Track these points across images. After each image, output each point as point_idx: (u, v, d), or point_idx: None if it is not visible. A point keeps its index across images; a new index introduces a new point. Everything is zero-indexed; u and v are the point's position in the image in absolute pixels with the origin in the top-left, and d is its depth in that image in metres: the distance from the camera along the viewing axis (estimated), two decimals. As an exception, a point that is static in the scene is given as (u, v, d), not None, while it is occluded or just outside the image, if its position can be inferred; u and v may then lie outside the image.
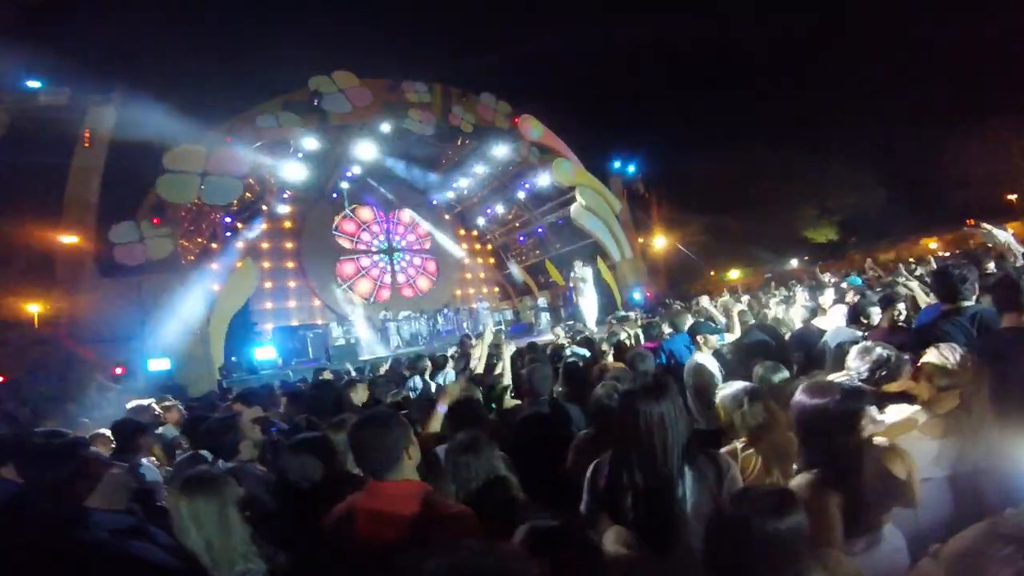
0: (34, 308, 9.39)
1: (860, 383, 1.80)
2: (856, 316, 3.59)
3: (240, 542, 1.59)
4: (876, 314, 3.44)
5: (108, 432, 2.99)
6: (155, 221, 9.85)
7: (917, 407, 1.68)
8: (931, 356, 1.68)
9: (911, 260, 6.78)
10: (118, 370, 8.25)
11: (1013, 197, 21.87)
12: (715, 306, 5.45)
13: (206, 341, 10.40)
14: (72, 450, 1.77)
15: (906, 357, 1.86)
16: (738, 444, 1.90)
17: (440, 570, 0.83)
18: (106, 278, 9.57)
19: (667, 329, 5.19)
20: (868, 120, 21.84)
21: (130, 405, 4.24)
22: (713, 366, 3.46)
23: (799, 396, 1.50)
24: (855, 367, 1.93)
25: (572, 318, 12.78)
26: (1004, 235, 3.91)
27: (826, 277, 7.15)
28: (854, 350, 2.01)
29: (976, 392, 1.57)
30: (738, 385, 2.02)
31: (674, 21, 21.24)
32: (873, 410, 1.51)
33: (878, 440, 1.47)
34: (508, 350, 4.89)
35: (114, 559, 1.51)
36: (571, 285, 12.21)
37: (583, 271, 11.83)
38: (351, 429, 1.69)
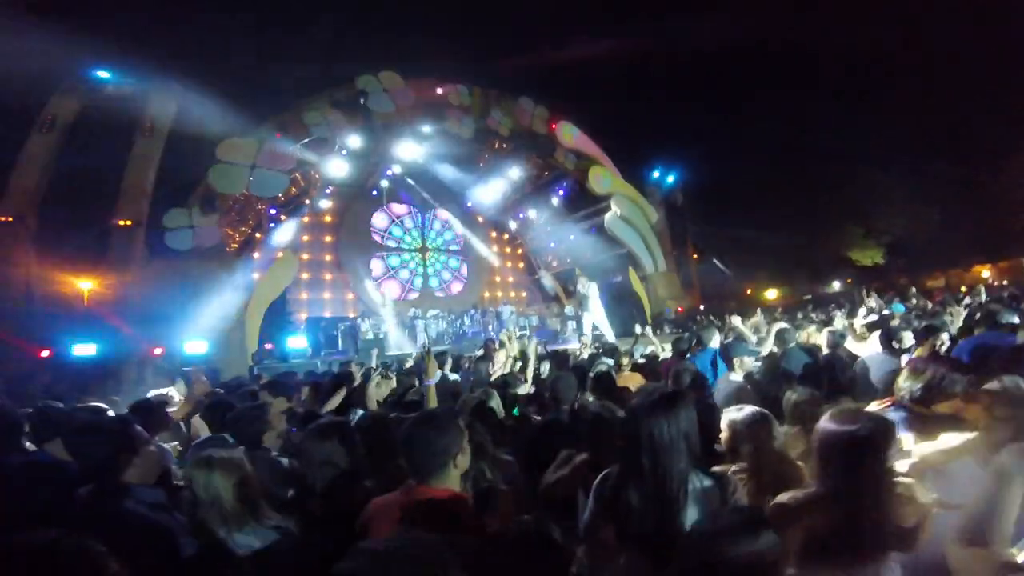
0: (85, 285, 9.97)
1: (908, 404, 1.80)
2: (888, 340, 3.44)
3: (250, 512, 1.62)
4: (908, 339, 3.29)
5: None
6: (205, 208, 10.33)
7: (969, 433, 1.60)
8: (995, 384, 1.62)
9: (962, 288, 6.40)
10: (157, 350, 8.64)
11: None
12: (746, 325, 5.29)
13: (242, 327, 10.81)
14: (121, 426, 1.88)
15: (957, 377, 1.79)
16: (734, 467, 1.84)
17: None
18: (155, 260, 10.09)
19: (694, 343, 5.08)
20: (923, 137, 20.70)
21: (151, 394, 4.45)
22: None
23: (825, 422, 1.45)
24: (906, 387, 1.87)
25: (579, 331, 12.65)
26: None
27: (871, 300, 6.81)
28: (905, 370, 1.94)
29: None
30: (750, 409, 1.96)
31: (720, 29, 20.76)
32: (903, 439, 1.45)
33: (900, 478, 1.41)
34: (534, 357, 4.90)
35: (151, 530, 1.59)
36: (577, 299, 12.04)
37: (587, 286, 11.71)
38: (408, 426, 1.67)
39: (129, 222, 9.96)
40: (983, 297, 5.94)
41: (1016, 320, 3.13)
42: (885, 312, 5.54)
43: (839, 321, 5.52)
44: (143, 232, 10.08)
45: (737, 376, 3.47)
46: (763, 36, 20.79)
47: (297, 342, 12.00)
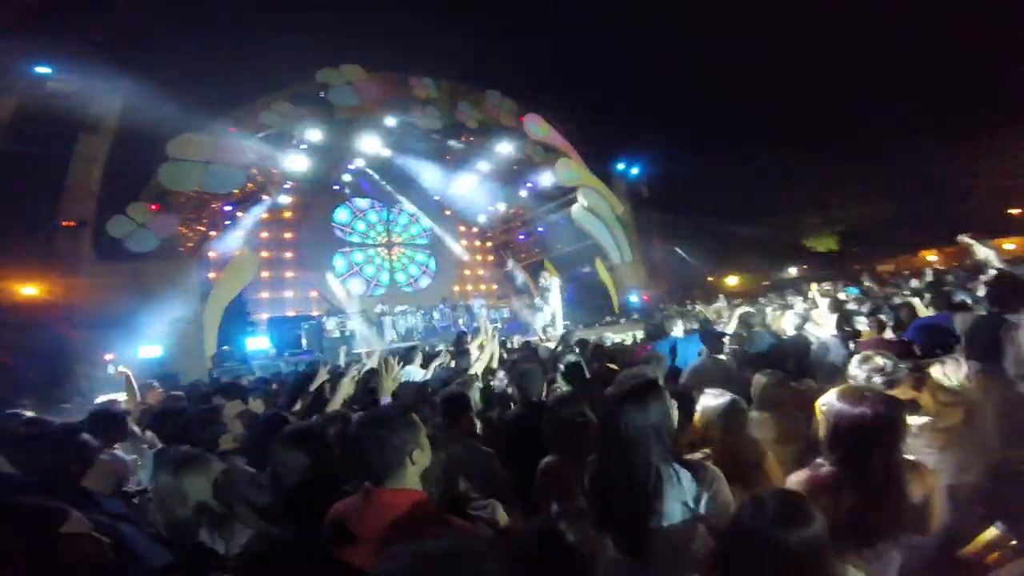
0: (30, 291, 9.32)
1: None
2: (842, 323, 3.58)
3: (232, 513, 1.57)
4: (862, 322, 3.43)
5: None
6: (154, 207, 9.78)
7: (925, 418, 1.65)
8: (936, 372, 1.66)
9: (907, 272, 6.77)
10: (108, 356, 8.19)
11: (1016, 211, 21.82)
12: (710, 311, 5.43)
13: (200, 329, 10.37)
14: (69, 436, 1.76)
15: (903, 366, 1.84)
16: (698, 455, 1.84)
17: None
18: (103, 263, 9.52)
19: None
20: (873, 129, 21.81)
21: (98, 401, 4.22)
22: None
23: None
24: (855, 375, 1.91)
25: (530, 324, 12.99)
26: (985, 250, 3.91)
27: (818, 295, 7.12)
28: (855, 358, 1.99)
29: (981, 409, 1.54)
30: (725, 397, 1.95)
31: (682, 26, 21.14)
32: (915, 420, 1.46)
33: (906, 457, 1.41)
34: (491, 349, 4.87)
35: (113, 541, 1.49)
36: (538, 293, 12.38)
37: (549, 281, 12.09)
38: (354, 427, 1.60)
39: (74, 223, 9.33)
40: (929, 279, 6.27)
41: (967, 299, 3.30)
42: (840, 296, 5.76)
43: (799, 305, 5.72)
44: (90, 233, 9.46)
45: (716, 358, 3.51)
46: (723, 30, 21.29)
47: (259, 343, 11.60)
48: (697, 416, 1.96)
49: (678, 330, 4.72)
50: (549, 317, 11.95)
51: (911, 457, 1.40)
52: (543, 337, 7.14)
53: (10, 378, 7.32)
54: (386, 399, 2.78)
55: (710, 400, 1.96)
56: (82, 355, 8.28)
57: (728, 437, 1.86)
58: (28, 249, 9.37)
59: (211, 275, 11.66)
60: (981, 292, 3.57)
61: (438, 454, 1.86)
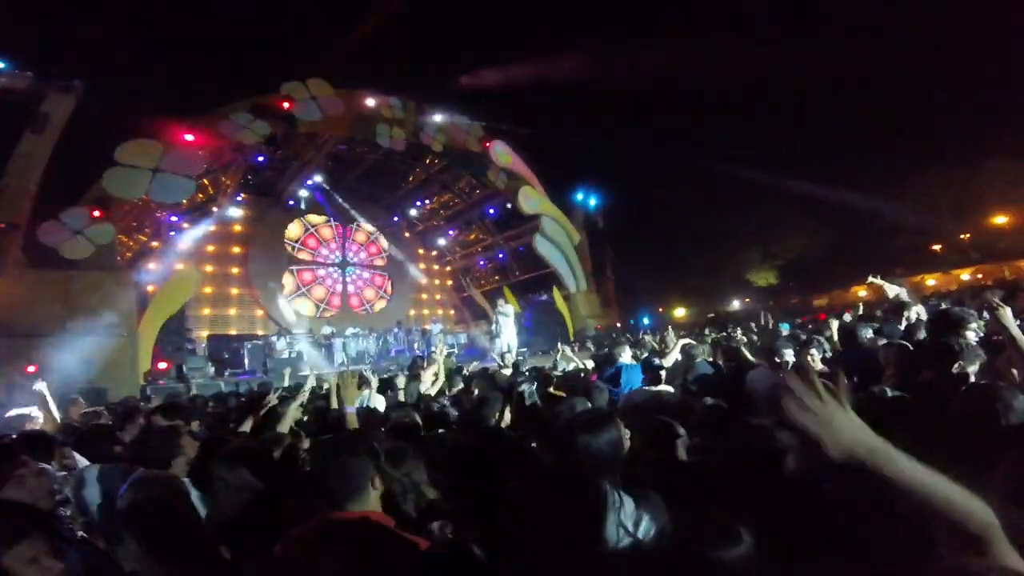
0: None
1: None
2: (771, 355, 3.88)
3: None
4: (788, 354, 3.73)
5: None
6: (94, 214, 9.21)
7: None
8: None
9: (839, 306, 7.39)
10: (31, 368, 7.53)
11: (937, 248, 24.06)
12: (656, 341, 5.69)
13: (134, 344, 9.70)
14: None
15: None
16: None
17: None
18: (32, 270, 8.84)
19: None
20: (812, 167, 23.70)
21: (10, 414, 3.93)
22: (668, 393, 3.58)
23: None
24: None
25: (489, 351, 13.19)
26: (896, 289, 4.33)
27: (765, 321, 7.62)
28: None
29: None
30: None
31: (634, 66, 22.59)
32: None
33: None
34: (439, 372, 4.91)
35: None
36: (494, 319, 12.59)
37: (505, 307, 12.37)
38: (315, 452, 1.63)
39: (3, 224, 8.63)
40: (859, 312, 6.82)
41: (870, 334, 3.65)
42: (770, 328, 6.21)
43: (739, 337, 6.10)
44: (21, 237, 8.77)
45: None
46: (673, 72, 22.83)
47: (197, 361, 10.98)
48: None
49: (625, 356, 4.92)
50: (506, 344, 12.00)
51: None
52: (500, 363, 7.23)
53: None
54: (350, 409, 2.82)
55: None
56: (5, 365, 7.59)
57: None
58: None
59: (150, 288, 11.00)
60: (901, 326, 3.98)
61: (402, 468, 1.90)
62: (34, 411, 3.94)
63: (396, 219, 19.19)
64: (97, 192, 9.38)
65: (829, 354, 3.97)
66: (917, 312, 4.33)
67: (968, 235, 23.40)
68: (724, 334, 7.38)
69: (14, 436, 2.91)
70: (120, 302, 9.38)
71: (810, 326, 7.19)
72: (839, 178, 21.68)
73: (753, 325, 7.61)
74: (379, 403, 4.59)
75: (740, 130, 25.18)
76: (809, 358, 3.73)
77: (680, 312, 24.97)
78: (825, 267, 23.86)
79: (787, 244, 26.48)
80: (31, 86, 9.35)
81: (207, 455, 2.36)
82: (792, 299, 23.57)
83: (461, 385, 5.56)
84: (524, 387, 4.19)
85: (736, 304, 26.16)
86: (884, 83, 22.26)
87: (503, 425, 3.28)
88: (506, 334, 12.16)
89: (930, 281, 21.57)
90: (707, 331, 10.30)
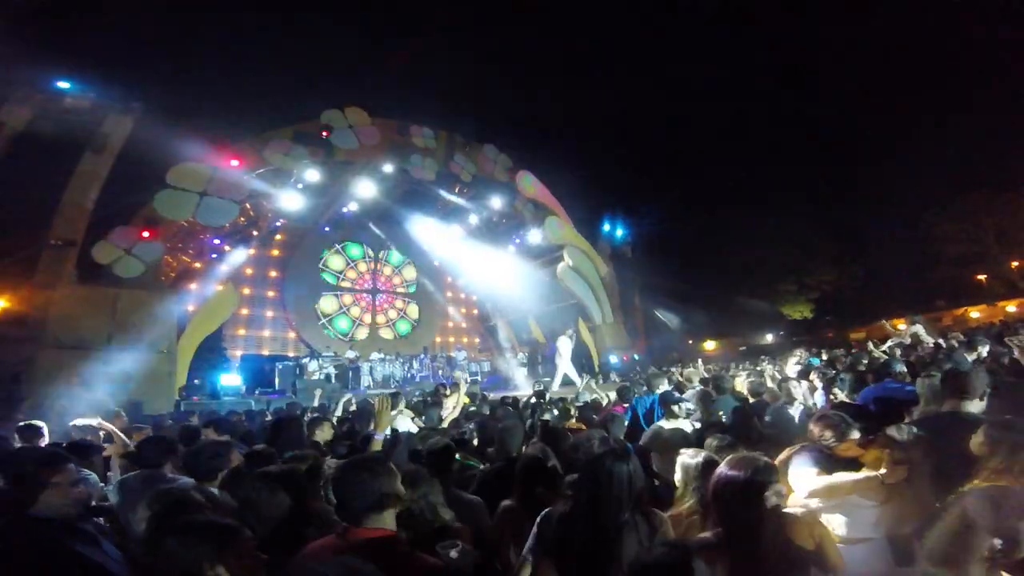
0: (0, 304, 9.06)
1: (819, 445, 2.05)
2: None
3: None
4: (799, 390, 3.70)
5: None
6: (144, 234, 9.78)
7: (865, 473, 1.80)
8: (891, 432, 1.87)
9: (876, 340, 7.09)
10: (75, 379, 7.93)
11: (982, 278, 22.79)
12: (680, 374, 5.60)
13: (172, 360, 10.08)
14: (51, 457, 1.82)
15: (852, 424, 2.06)
16: (684, 508, 2.02)
17: None
18: (83, 285, 9.38)
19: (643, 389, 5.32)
20: (847, 195, 23.10)
21: (77, 423, 4.13)
22: (686, 429, 3.54)
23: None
24: (811, 431, 2.18)
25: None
26: (914, 329, 4.35)
27: (797, 354, 7.40)
28: (812, 417, 2.28)
29: (920, 467, 1.72)
30: (698, 455, 2.14)
31: (669, 97, 22.88)
32: (806, 474, 1.63)
33: (789, 510, 1.59)
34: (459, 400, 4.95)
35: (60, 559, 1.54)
36: (556, 346, 12.60)
37: (563, 340, 12.44)
38: (337, 470, 1.74)
39: (61, 241, 9.26)
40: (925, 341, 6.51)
41: (903, 369, 3.55)
42: (800, 365, 6.01)
43: (768, 370, 5.93)
44: (76, 252, 9.37)
45: (671, 421, 3.64)
46: (707, 103, 23.01)
47: (231, 379, 11.32)
48: (677, 472, 2.16)
49: (664, 388, 4.87)
50: (562, 375, 12.22)
51: (796, 511, 1.60)
52: (536, 390, 7.32)
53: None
54: (379, 436, 2.95)
55: (684, 457, 2.16)
56: (51, 375, 8.00)
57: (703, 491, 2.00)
58: (10, 262, 9.20)
59: (190, 307, 11.49)
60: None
61: (419, 489, 1.96)
62: (98, 420, 4.13)
63: (423, 246, 19.61)
64: (148, 212, 9.96)
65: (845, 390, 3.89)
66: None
67: (1016, 264, 22.16)
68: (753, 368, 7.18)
69: (64, 444, 3.09)
70: (162, 320, 9.82)
71: (844, 358, 6.91)
72: (876, 207, 21.10)
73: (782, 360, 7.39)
74: (404, 426, 4.65)
75: (773, 160, 24.96)
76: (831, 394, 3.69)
77: (710, 345, 24.28)
78: (862, 299, 22.96)
79: (822, 276, 25.65)
80: (93, 107, 10.13)
81: (246, 470, 2.48)
82: (827, 332, 22.63)
83: (486, 411, 5.58)
84: (547, 415, 4.20)
85: (769, 337, 25.34)
86: (923, 108, 21.75)
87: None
88: (563, 365, 12.22)
89: (974, 314, 20.40)
90: (734, 365, 10.01)
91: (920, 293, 21.63)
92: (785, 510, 1.57)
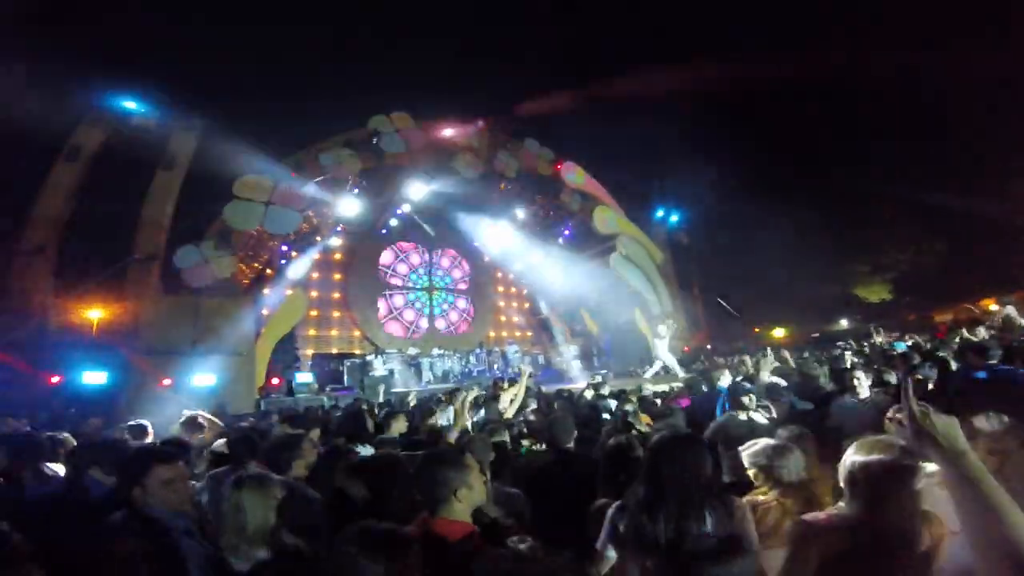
0: (95, 315, 10.11)
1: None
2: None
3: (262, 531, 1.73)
4: (861, 381, 3.47)
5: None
6: (220, 247, 10.56)
7: None
8: (978, 423, 1.72)
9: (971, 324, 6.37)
10: (166, 381, 8.70)
11: None
12: (752, 364, 5.34)
13: (252, 362, 10.84)
14: (149, 455, 1.97)
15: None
16: (760, 496, 1.98)
17: None
18: (167, 295, 10.23)
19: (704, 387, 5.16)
20: (927, 170, 20.94)
21: (186, 413, 4.55)
22: (758, 420, 3.41)
23: (852, 454, 1.53)
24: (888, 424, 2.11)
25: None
26: (1007, 309, 4.04)
27: (880, 338, 6.84)
28: (892, 409, 2.17)
29: (1011, 457, 1.58)
30: (765, 442, 2.12)
31: (723, 71, 21.61)
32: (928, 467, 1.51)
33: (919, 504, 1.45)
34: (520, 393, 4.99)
35: (168, 554, 1.66)
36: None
37: (661, 329, 12.44)
38: (418, 461, 1.83)
39: (146, 256, 10.17)
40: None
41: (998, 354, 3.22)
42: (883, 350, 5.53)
43: (848, 360, 5.54)
44: (159, 266, 10.25)
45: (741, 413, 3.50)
46: (764, 76, 21.59)
47: (303, 378, 12.03)
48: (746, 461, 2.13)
49: (725, 380, 4.70)
50: (661, 365, 12.18)
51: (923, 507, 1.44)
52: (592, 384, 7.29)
53: (76, 395, 7.90)
54: (454, 435, 3.12)
55: (753, 446, 2.14)
56: (142, 379, 8.83)
57: (776, 478, 2.04)
58: (101, 277, 10.20)
59: (264, 311, 12.31)
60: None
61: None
62: (200, 413, 4.55)
63: (475, 243, 19.89)
64: (220, 224, 10.69)
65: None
66: None
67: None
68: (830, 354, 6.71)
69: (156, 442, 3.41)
70: (240, 324, 10.57)
71: (928, 344, 6.31)
72: (953, 181, 19.00)
73: (863, 344, 6.86)
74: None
75: (841, 134, 23.07)
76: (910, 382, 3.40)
77: (779, 332, 22.91)
78: (944, 279, 20.78)
79: (899, 255, 23.47)
80: (158, 126, 10.91)
81: (326, 463, 2.64)
82: (908, 315, 20.71)
83: (534, 404, 5.63)
84: (628, 407, 4.19)
85: (844, 322, 23.57)
86: (1003, 69, 19.23)
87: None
88: (661, 354, 12.24)
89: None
90: (805, 354, 9.41)
91: (1008, 270, 19.30)
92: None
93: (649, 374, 11.62)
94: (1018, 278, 19.03)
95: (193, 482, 3.17)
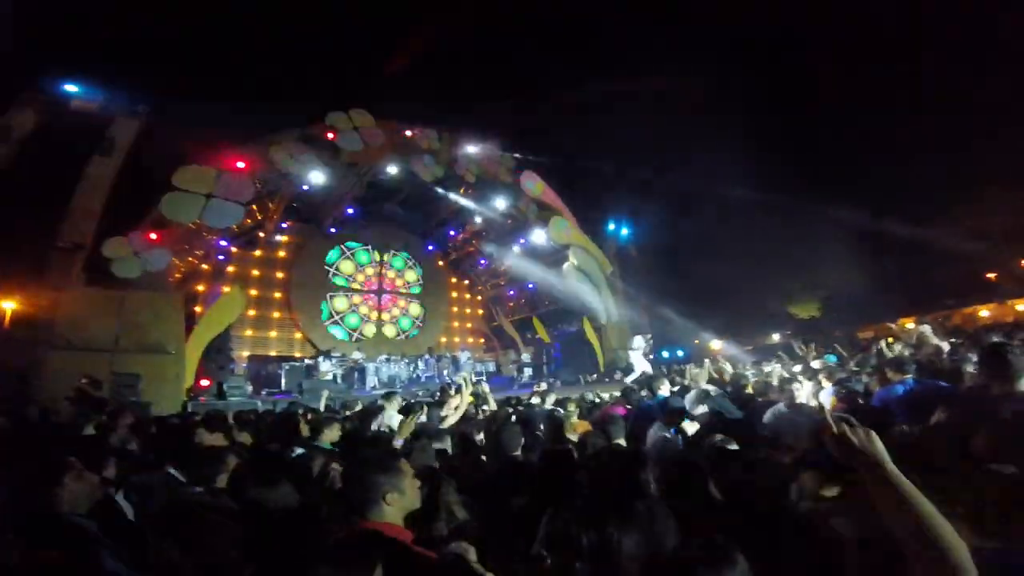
0: (7, 305, 9.16)
1: None
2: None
3: None
4: (801, 389, 3.68)
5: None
6: (151, 237, 9.84)
7: None
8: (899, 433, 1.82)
9: (890, 339, 6.96)
10: (84, 380, 7.98)
11: (992, 276, 22.48)
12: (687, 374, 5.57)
13: (180, 362, 10.14)
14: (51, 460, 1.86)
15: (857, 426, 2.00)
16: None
17: None
18: (91, 287, 9.44)
19: (644, 393, 5.29)
20: (857, 191, 22.78)
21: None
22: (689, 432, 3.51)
23: None
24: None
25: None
26: (922, 328, 4.61)
27: (805, 351, 7.31)
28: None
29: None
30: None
31: (671, 94, 22.72)
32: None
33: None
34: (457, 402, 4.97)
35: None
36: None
37: (634, 342, 12.92)
38: (350, 465, 1.85)
39: (71, 244, 9.33)
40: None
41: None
42: (815, 364, 5.92)
43: (775, 371, 5.88)
44: (84, 255, 9.43)
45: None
46: (710, 97, 22.82)
47: (237, 380, 11.39)
48: None
49: (664, 389, 4.85)
50: (640, 373, 12.32)
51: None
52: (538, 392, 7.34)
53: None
54: (399, 442, 3.13)
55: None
56: (57, 375, 8.06)
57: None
58: (19, 264, 9.29)
59: (197, 309, 11.57)
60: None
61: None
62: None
63: (430, 248, 19.66)
64: (155, 215, 10.00)
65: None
66: None
67: (1026, 262, 21.84)
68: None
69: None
70: (169, 321, 9.89)
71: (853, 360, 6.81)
72: (883, 203, 20.80)
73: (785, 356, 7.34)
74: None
75: (778, 155, 24.69)
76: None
77: (716, 344, 24.10)
78: (871, 298, 22.64)
79: (829, 274, 25.36)
80: (100, 110, 10.18)
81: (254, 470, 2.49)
82: (835, 332, 22.36)
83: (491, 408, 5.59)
84: (560, 411, 4.22)
85: (776, 337, 25.10)
86: (930, 100, 21.43)
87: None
88: (639, 363, 12.49)
89: (983, 312, 20.15)
90: (742, 365, 9.93)
91: (931, 290, 21.34)
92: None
93: (630, 379, 11.85)
94: (934, 298, 21.00)
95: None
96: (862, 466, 1.13)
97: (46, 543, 1.53)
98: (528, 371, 17.11)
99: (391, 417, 4.97)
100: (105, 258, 9.20)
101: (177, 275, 11.67)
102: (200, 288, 12.56)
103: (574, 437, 3.64)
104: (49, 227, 9.36)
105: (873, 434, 1.16)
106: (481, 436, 4.26)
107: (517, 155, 15.51)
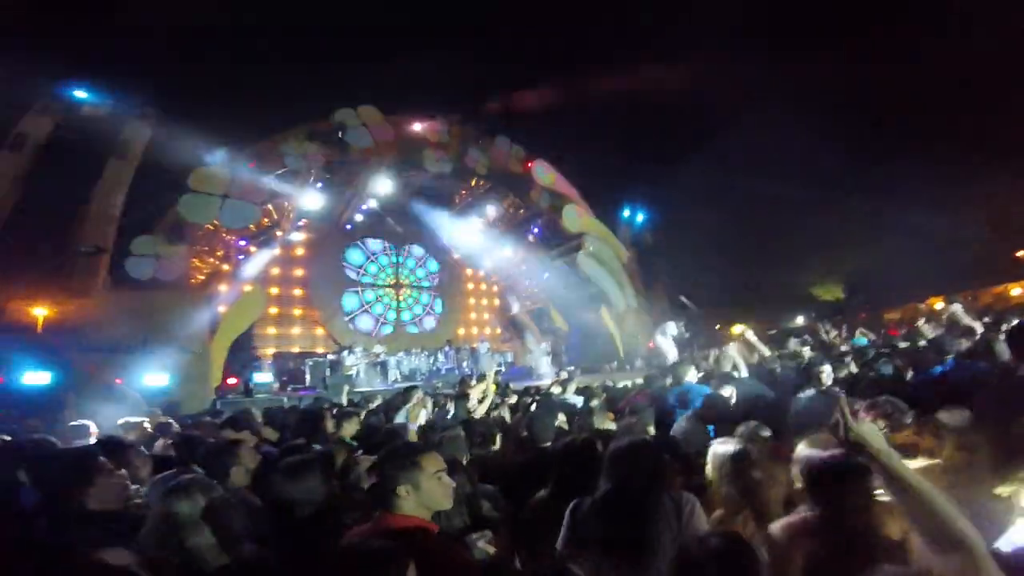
0: (40, 312, 9.47)
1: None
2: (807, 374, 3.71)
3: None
4: (827, 373, 3.55)
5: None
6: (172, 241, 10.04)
7: (923, 462, 1.69)
8: (943, 417, 1.76)
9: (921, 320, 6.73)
10: (116, 381, 8.23)
11: (1021, 254, 21.64)
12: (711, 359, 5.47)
13: (206, 361, 10.38)
14: (82, 460, 1.87)
15: (905, 410, 1.93)
16: (716, 498, 1.96)
17: None
18: (116, 290, 9.67)
19: (668, 381, 5.21)
20: (881, 170, 22.07)
21: (121, 422, 4.28)
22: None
23: (807, 451, 1.59)
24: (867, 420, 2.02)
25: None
26: (952, 307, 4.51)
27: (831, 333, 7.13)
28: (863, 404, 2.16)
29: (978, 452, 1.61)
30: (727, 444, 2.06)
31: (686, 75, 22.15)
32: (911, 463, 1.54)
33: (879, 497, 1.47)
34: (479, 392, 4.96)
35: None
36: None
37: (665, 327, 12.46)
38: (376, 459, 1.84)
39: (93, 249, 9.55)
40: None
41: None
42: (843, 348, 5.76)
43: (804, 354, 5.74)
44: (107, 258, 9.66)
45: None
46: (726, 79, 22.23)
47: (262, 377, 11.62)
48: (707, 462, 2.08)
49: (691, 376, 4.75)
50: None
51: (885, 499, 1.45)
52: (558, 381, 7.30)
53: (18, 397, 7.37)
54: (412, 426, 3.29)
55: (715, 447, 2.09)
56: (91, 379, 8.31)
57: (739, 480, 1.94)
58: (46, 270, 9.56)
59: (220, 308, 11.80)
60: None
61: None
62: (144, 420, 4.30)
63: (443, 240, 19.70)
64: (173, 217, 10.17)
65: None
66: None
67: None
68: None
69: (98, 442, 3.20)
70: (193, 321, 10.09)
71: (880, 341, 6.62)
72: (908, 182, 20.10)
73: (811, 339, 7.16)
74: (423, 419, 4.70)
75: (800, 132, 24.02)
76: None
77: (738, 329, 23.71)
78: (896, 279, 21.98)
79: (852, 255, 24.71)
80: (111, 115, 10.33)
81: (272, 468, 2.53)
82: (859, 313, 21.81)
83: (513, 399, 5.59)
84: (594, 403, 4.19)
85: (800, 319, 24.60)
86: (954, 81, 20.51)
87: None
88: (670, 351, 12.28)
89: (1015, 291, 19.40)
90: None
91: (959, 268, 20.63)
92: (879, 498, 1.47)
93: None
94: (967, 278, 20.31)
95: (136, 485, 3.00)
96: (871, 460, 1.13)
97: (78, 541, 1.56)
98: (546, 360, 17.10)
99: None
100: (124, 260, 9.40)
101: (200, 276, 11.91)
102: (222, 288, 12.79)
103: (604, 426, 3.59)
104: (72, 232, 9.59)
105: (876, 429, 1.17)
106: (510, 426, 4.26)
107: (527, 147, 15.35)
